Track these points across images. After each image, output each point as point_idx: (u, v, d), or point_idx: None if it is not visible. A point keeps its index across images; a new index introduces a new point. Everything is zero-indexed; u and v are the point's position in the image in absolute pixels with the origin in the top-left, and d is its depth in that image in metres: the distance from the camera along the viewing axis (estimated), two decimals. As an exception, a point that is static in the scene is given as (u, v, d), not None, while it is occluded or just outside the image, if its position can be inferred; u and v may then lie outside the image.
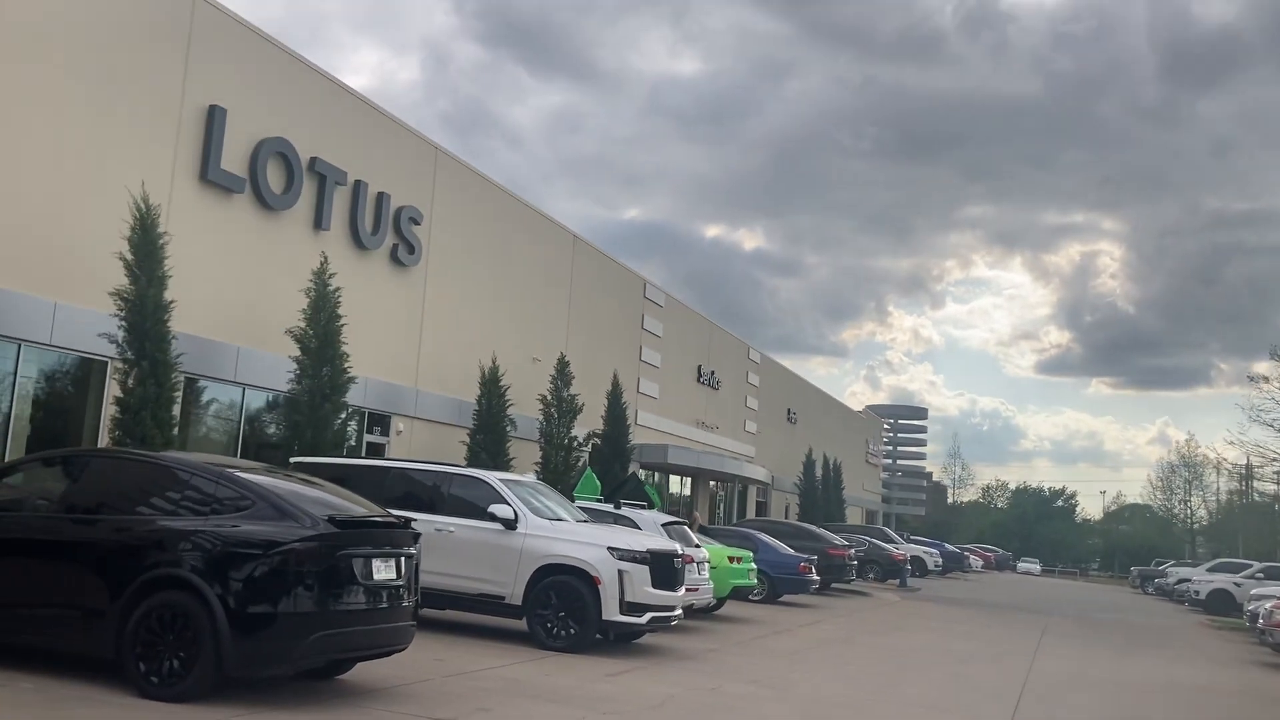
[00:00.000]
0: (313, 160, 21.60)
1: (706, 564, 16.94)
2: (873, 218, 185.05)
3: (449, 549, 13.22)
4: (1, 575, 8.50)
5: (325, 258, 19.98)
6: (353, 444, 22.47)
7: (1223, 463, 53.67)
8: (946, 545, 55.47)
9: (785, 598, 24.47)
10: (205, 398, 20.07)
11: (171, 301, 16.13)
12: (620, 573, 12.73)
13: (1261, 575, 35.86)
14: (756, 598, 23.45)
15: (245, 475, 8.65)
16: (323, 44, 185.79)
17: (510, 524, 13.02)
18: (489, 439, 25.10)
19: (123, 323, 15.71)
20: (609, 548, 12.86)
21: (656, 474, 41.23)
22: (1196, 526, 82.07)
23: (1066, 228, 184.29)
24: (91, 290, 16.06)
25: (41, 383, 16.83)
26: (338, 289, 19.80)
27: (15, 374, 16.05)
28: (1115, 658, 19.33)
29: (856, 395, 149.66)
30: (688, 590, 15.64)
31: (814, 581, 24.19)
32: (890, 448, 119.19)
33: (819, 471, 55.95)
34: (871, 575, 36.21)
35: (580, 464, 27.91)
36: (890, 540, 43.27)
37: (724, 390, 47.70)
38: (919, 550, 46.11)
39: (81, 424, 17.21)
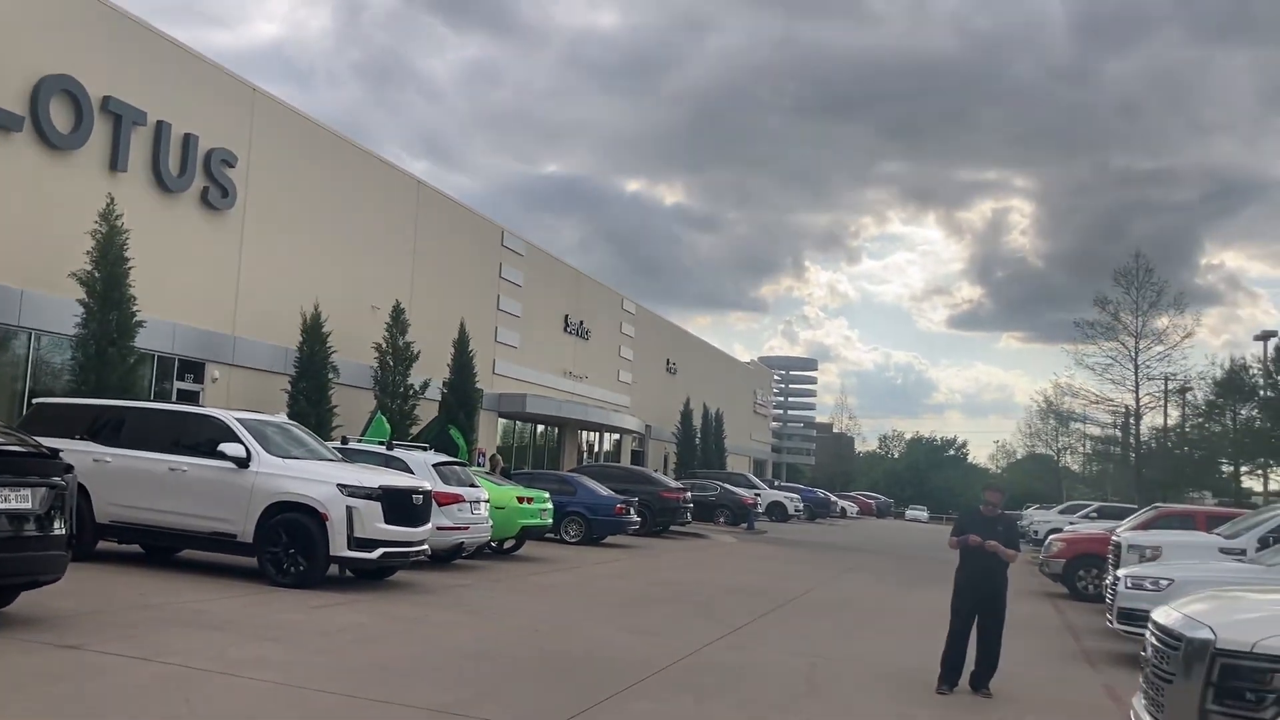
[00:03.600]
0: (105, 99, 21.05)
1: (485, 503, 17.10)
2: (791, 174, 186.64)
3: (182, 488, 13.18)
4: None
5: (112, 199, 19.59)
6: (152, 391, 22.16)
7: (1083, 409, 55.34)
8: (818, 492, 56.58)
9: (608, 539, 24.84)
10: (-9, 343, 19.60)
11: (-84, 240, 15.67)
12: (349, 509, 12.80)
13: (1095, 515, 37.20)
14: (574, 539, 23.83)
15: None
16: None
17: (242, 462, 13.00)
18: (310, 386, 24.94)
19: None
20: (339, 484, 12.91)
21: (517, 423, 41.37)
22: (1069, 471, 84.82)
23: (980, 184, 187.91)
24: None
25: None
26: (126, 231, 19.42)
27: None
28: (891, 589, 20.04)
29: (774, 349, 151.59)
30: (453, 528, 15.89)
31: (632, 523, 24.57)
32: (782, 398, 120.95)
33: (697, 421, 56.57)
34: (722, 519, 36.88)
35: (413, 410, 27.87)
36: (752, 486, 44.07)
37: (595, 340, 47.86)
38: (780, 496, 47.01)
39: None
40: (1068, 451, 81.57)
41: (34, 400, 15.31)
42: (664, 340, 59.28)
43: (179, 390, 23.33)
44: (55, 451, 9.31)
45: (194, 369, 23.93)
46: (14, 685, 7.01)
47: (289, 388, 24.77)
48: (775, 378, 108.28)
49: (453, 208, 36.30)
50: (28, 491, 8.72)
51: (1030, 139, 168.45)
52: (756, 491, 42.56)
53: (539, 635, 11.14)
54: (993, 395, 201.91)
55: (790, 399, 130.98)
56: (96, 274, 19.11)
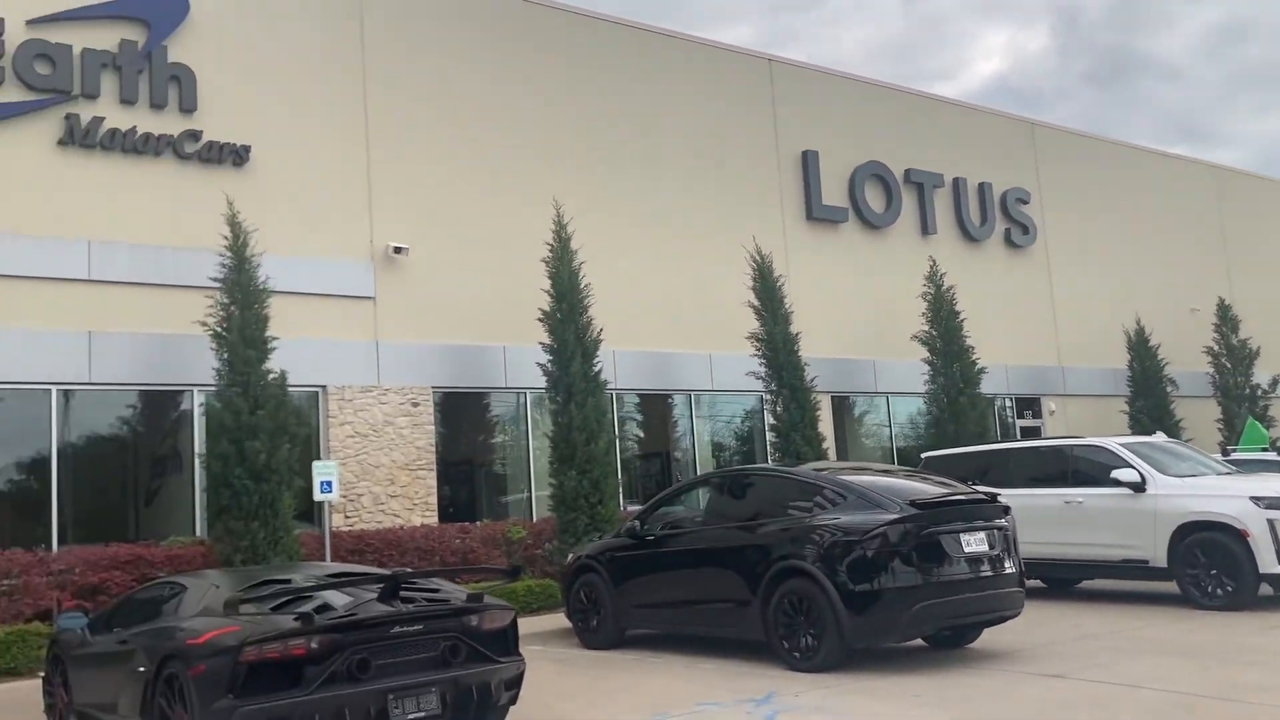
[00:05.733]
0: (907, 172, 22.84)
1: None
2: None
3: (1081, 519, 13.33)
4: (679, 578, 10.72)
5: (934, 261, 21.00)
6: (1000, 431, 22.99)
7: None
8: None
9: None
10: (857, 410, 22.03)
11: (798, 334, 18.23)
12: (1271, 522, 11.86)
13: None
14: None
15: (837, 475, 9.97)
16: (949, 42, 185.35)
17: (1138, 487, 12.76)
18: (1149, 404, 24.05)
19: (762, 360, 18.13)
20: (1252, 497, 12.05)
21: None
22: None
23: None
24: (735, 338, 18.66)
25: (712, 419, 19.93)
26: (951, 287, 20.68)
27: (691, 416, 19.27)
28: None
29: None
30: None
31: None
32: None
33: None
34: None
35: (1265, 411, 25.35)
36: None
37: None
38: None
39: (750, 450, 20.00)
40: None
41: (922, 455, 16.75)
42: None
43: (1021, 427, 23.97)
44: (993, 495, 10.03)
45: (1030, 405, 24.45)
46: (1036, 714, 7.53)
47: (1126, 408, 24.10)
48: None
49: (1260, 184, 32.83)
50: (981, 534, 9.48)
51: None
52: None
53: None
54: None
55: None
56: (934, 333, 20.54)
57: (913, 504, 9.25)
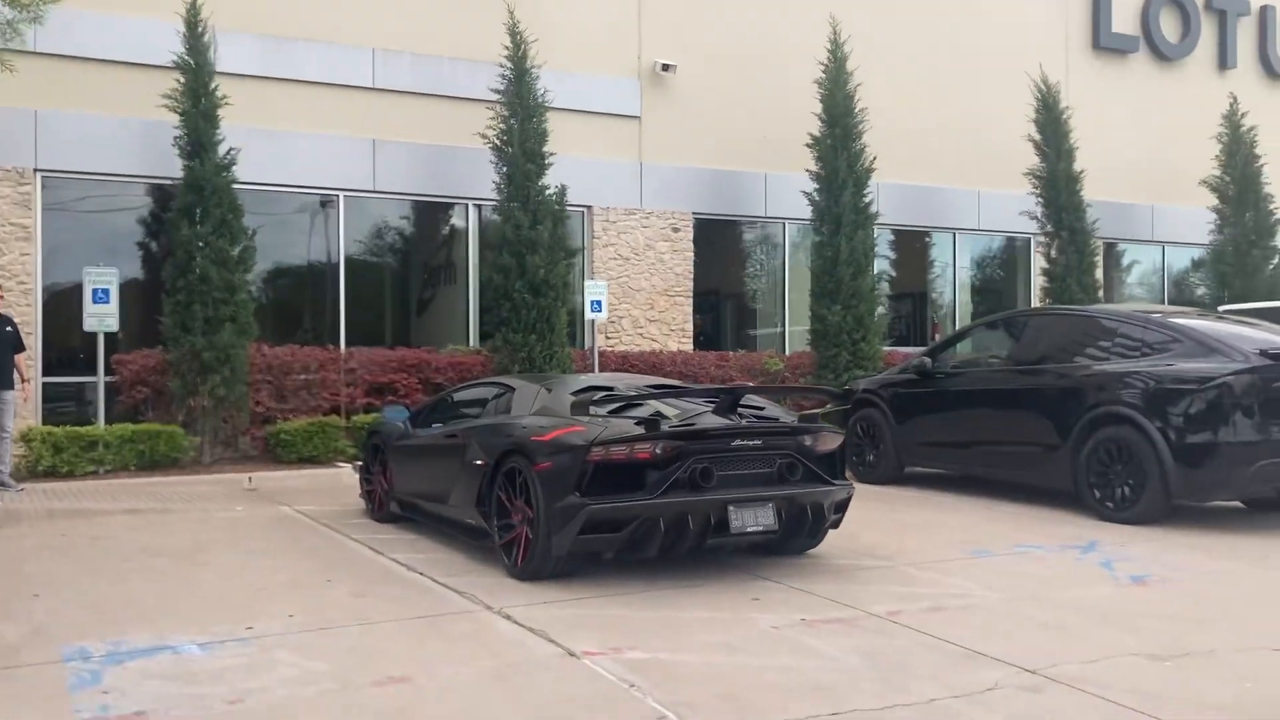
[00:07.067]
0: (1209, 1, 20.54)
1: None
2: None
3: None
4: (975, 419, 10.23)
5: (1234, 98, 19.05)
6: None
7: None
8: None
9: None
10: (1125, 260, 20.56)
11: (1081, 172, 16.95)
12: None
13: None
14: None
15: (1170, 319, 9.16)
16: None
17: None
18: None
19: (1039, 199, 16.98)
20: None
21: None
22: None
23: None
24: (1008, 174, 17.54)
25: (975, 264, 18.96)
26: (1252, 128, 18.77)
27: (954, 260, 18.38)
28: None
29: None
30: None
31: None
32: None
33: None
34: None
35: None
36: None
37: None
38: None
39: (1014, 296, 18.99)
40: None
41: (1219, 308, 15.48)
42: None
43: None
44: (1351, 350, 9.02)
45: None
46: None
47: None
48: None
49: None
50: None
51: None
52: None
53: None
54: None
55: None
56: (1226, 178, 18.76)
57: (1263, 353, 8.41)
